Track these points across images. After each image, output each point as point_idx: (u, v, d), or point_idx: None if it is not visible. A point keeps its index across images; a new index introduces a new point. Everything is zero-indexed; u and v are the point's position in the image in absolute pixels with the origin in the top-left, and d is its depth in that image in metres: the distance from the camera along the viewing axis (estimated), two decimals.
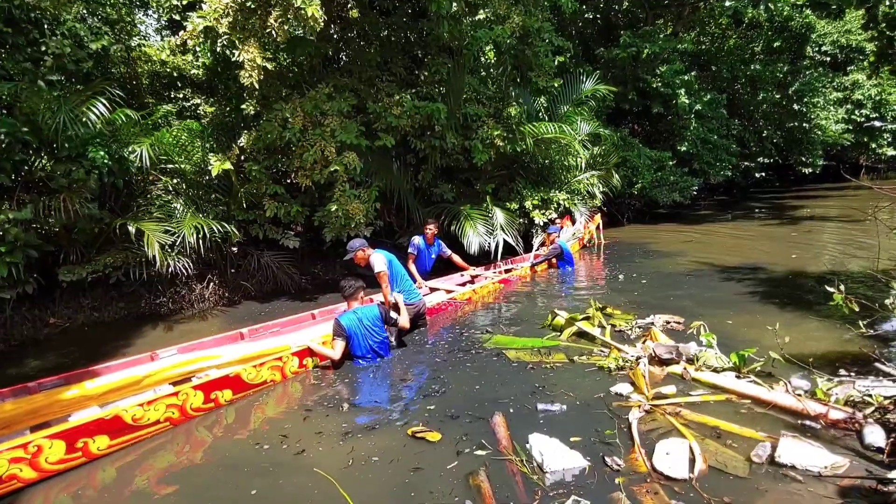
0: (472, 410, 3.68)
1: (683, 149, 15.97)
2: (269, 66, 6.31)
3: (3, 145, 5.43)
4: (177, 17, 7.88)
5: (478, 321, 6.02)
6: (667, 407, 3.59)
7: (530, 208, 9.65)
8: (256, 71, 6.22)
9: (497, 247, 8.63)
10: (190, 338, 5.56)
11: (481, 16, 9.64)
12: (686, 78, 15.54)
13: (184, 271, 6.67)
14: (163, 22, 9.09)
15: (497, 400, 3.83)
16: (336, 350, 4.55)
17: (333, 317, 4.86)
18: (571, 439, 3.18)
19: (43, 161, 5.86)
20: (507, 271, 8.49)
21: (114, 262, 6.30)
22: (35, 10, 6.27)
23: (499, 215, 9.07)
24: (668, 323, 5.41)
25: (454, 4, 8.50)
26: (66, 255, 6.18)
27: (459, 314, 6.38)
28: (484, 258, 8.69)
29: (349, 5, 9.42)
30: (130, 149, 6.35)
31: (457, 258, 7.70)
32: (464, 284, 7.84)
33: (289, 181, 8.07)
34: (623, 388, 3.93)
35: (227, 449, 3.37)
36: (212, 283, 7.25)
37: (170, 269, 6.53)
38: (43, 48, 6.37)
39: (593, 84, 11.64)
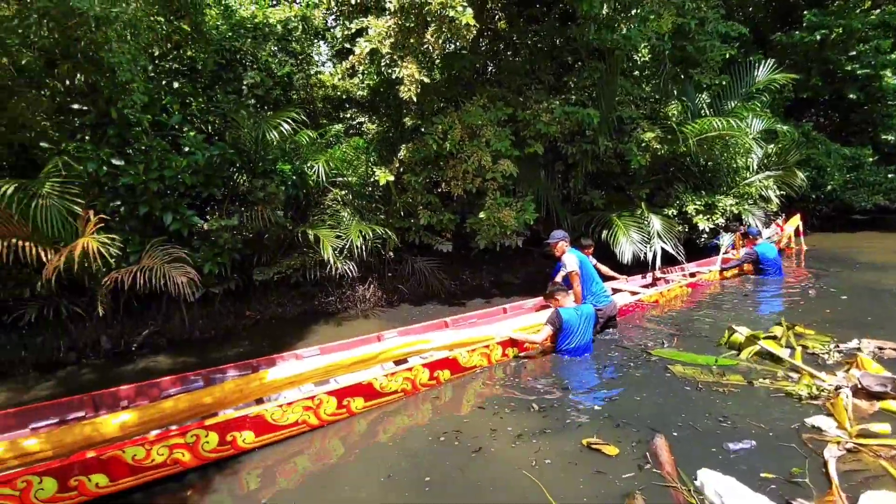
0: (634, 425, 3.45)
1: (892, 138, 13.33)
2: (426, 80, 6.67)
3: (216, 165, 6.50)
4: (346, 46, 8.77)
5: (653, 328, 5.70)
6: (877, 448, 2.98)
7: (692, 213, 8.83)
8: (414, 86, 6.62)
9: (654, 256, 8.04)
10: (356, 334, 6.10)
11: (634, 14, 9.16)
12: (893, 56, 13.01)
13: (349, 273, 7.33)
14: (332, 51, 10.12)
15: (660, 417, 3.54)
16: (540, 335, 4.87)
17: (522, 313, 5.51)
18: (759, 476, 2.78)
19: (244, 177, 6.89)
20: (692, 275, 7.91)
21: (294, 265, 7.16)
22: (239, 51, 7.45)
23: (655, 222, 8.45)
24: (881, 349, 4.52)
25: (605, 5, 8.19)
26: (259, 257, 7.17)
27: (640, 318, 6.13)
28: (636, 268, 8.17)
29: (497, 17, 9.63)
30: (309, 164, 7.18)
31: (604, 268, 7.34)
32: (648, 286, 7.48)
33: (440, 190, 8.45)
34: (821, 420, 3.36)
35: (437, 424, 3.70)
36: (372, 286, 7.85)
37: (338, 272, 7.22)
38: (243, 81, 7.53)
39: (767, 74, 10.31)
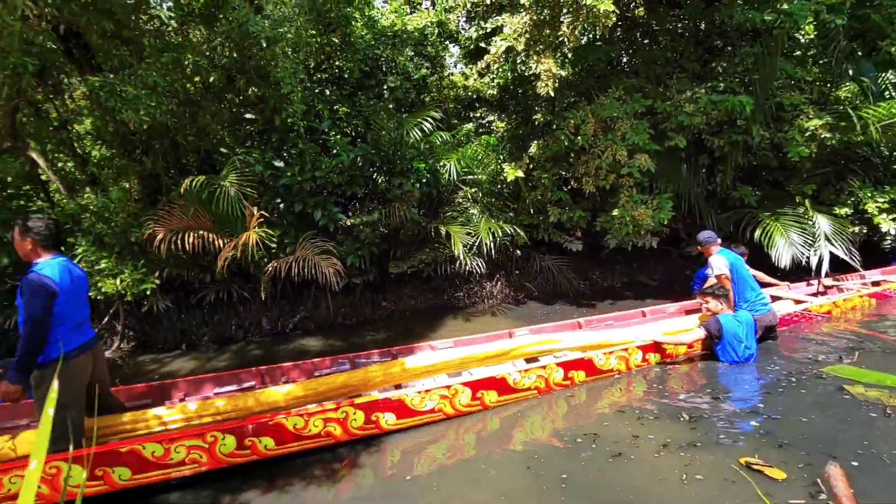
0: (802, 449, 3.05)
1: None
2: (564, 74, 6.55)
3: (359, 165, 7.01)
4: (481, 45, 8.92)
5: (825, 341, 5.04)
6: None
7: (873, 213, 7.56)
8: (552, 80, 6.52)
9: (821, 261, 7.04)
10: (484, 329, 6.22)
11: None
12: None
13: (477, 270, 7.48)
14: (462, 53, 10.34)
15: (834, 443, 3.09)
16: (691, 335, 4.62)
17: (664, 317, 5.21)
18: None
19: (383, 176, 7.35)
20: (875, 284, 6.87)
21: (426, 260, 7.48)
22: (381, 58, 7.96)
23: (822, 222, 7.39)
24: None
25: None
26: (395, 252, 7.62)
27: (808, 329, 5.46)
28: (794, 274, 7.20)
29: (633, 4, 9.10)
30: (442, 163, 7.44)
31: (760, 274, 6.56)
32: (816, 294, 6.67)
33: (570, 187, 8.24)
34: None
35: (573, 425, 3.63)
36: (499, 283, 7.92)
37: (466, 268, 7.40)
38: (384, 86, 8.02)
39: None
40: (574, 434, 3.48)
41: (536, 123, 7.63)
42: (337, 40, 7.25)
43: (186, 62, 5.69)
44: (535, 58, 6.85)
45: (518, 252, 8.04)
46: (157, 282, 6.41)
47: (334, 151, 6.90)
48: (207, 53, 5.97)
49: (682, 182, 8.19)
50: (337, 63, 7.61)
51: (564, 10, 6.37)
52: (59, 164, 7.58)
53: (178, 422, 3.53)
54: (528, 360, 4.50)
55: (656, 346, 4.63)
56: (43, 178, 7.19)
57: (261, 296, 6.89)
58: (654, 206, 7.12)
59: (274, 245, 6.71)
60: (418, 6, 9.36)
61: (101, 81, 4.96)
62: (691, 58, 8.36)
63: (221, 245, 6.20)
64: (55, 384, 0.84)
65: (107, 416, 3.47)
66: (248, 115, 6.65)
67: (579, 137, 7.01)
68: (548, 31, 6.79)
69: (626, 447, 3.24)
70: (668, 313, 5.68)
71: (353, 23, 7.43)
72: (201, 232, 6.20)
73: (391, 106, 7.76)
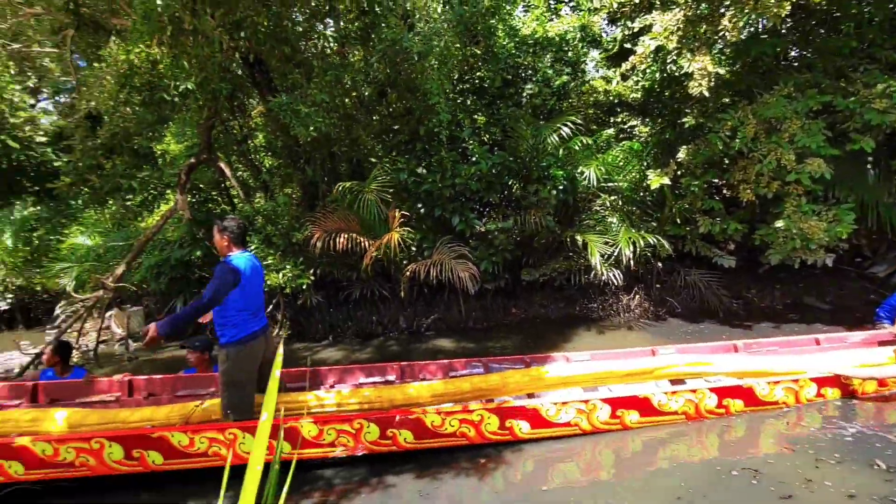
0: None
1: None
2: (721, 72, 6.00)
3: (497, 172, 7.12)
4: (626, 46, 8.54)
5: None
6: None
7: None
8: (707, 79, 6.02)
9: None
10: (619, 344, 5.91)
11: None
12: None
13: (614, 281, 7.14)
14: (603, 57, 9.98)
15: None
16: (886, 371, 4.00)
17: (844, 346, 4.53)
18: None
19: (518, 183, 7.37)
20: None
21: (560, 268, 7.33)
22: (521, 66, 8.00)
23: None
24: None
25: None
26: (527, 259, 7.59)
27: None
28: None
29: None
30: (580, 170, 7.25)
31: None
32: None
33: (723, 195, 7.50)
34: None
35: (728, 457, 3.33)
36: (637, 296, 7.47)
37: (602, 278, 7.11)
38: (523, 93, 8.05)
39: None
40: (729, 467, 3.15)
41: (686, 126, 7.07)
42: (480, 51, 7.46)
43: (345, 80, 6.28)
44: (687, 56, 6.37)
45: (660, 264, 7.52)
46: (312, 278, 7.13)
47: (473, 159, 7.09)
48: (364, 71, 6.52)
49: (868, 191, 6.99)
50: (478, 73, 7.82)
51: (727, 2, 5.84)
52: (239, 173, 8.82)
53: (329, 406, 3.85)
54: (674, 382, 4.17)
55: (837, 380, 3.99)
56: (227, 184, 8.40)
57: (400, 295, 7.32)
58: (830, 217, 6.18)
59: (413, 248, 7.09)
60: (559, 13, 9.25)
61: (279, 101, 5.68)
62: (887, 45, 7.11)
63: (367, 246, 6.71)
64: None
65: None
66: (395, 127, 7.12)
67: (736, 141, 6.35)
68: (705, 27, 6.28)
69: (798, 490, 2.84)
70: (851, 343, 4.84)
71: (497, 33, 7.58)
72: (350, 234, 6.77)
73: (529, 113, 7.76)
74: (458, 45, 6.69)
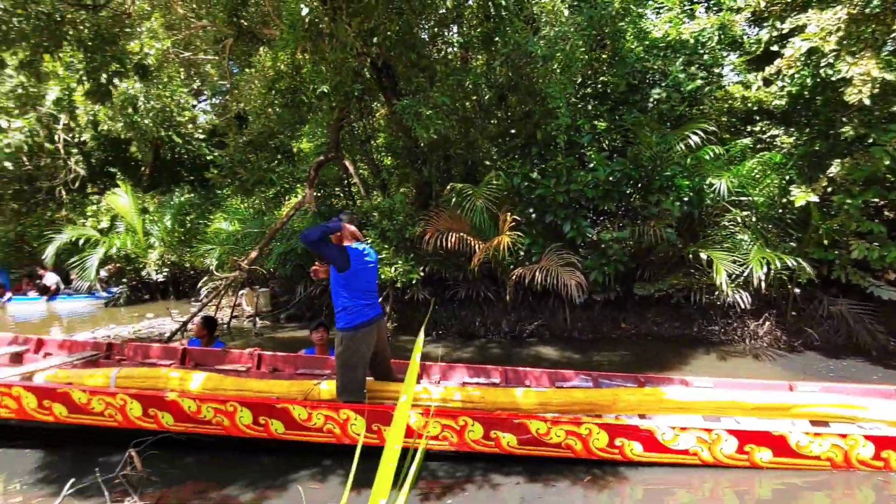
0: None
1: None
2: (890, 77, 5.23)
3: (614, 180, 6.83)
4: (767, 50, 7.77)
5: None
6: None
7: None
8: (869, 85, 5.28)
9: None
10: (743, 373, 5.38)
11: None
12: None
13: (741, 304, 6.53)
14: (742, 61, 9.16)
15: None
16: None
17: None
18: None
19: (638, 193, 7.01)
20: None
21: (678, 284, 6.85)
22: (649, 70, 7.60)
23: None
24: None
25: None
26: (642, 272, 7.19)
27: None
28: None
29: None
30: (708, 181, 6.72)
31: None
32: None
33: (886, 217, 6.54)
34: None
35: None
36: (767, 322, 6.76)
37: (727, 300, 6.53)
38: (649, 98, 7.64)
39: None
40: None
41: (843, 138, 6.23)
42: (606, 55, 7.21)
43: (467, 84, 6.41)
44: (847, 59, 5.63)
45: (798, 290, 6.73)
46: (421, 274, 7.37)
47: (591, 166, 6.88)
48: (485, 74, 6.61)
49: None
50: (602, 78, 7.57)
51: None
52: (360, 171, 9.37)
53: (435, 400, 3.94)
54: (814, 423, 3.70)
55: None
56: (350, 181, 8.96)
57: (505, 299, 7.31)
58: None
59: (521, 252, 7.04)
60: (694, 14, 8.64)
61: (403, 104, 5.96)
62: None
63: (476, 247, 6.79)
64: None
65: (382, 382, 4.09)
66: (512, 130, 7.13)
67: None
68: (873, 27, 5.51)
69: None
70: None
71: (625, 37, 7.28)
72: (460, 234, 6.89)
73: (654, 119, 7.35)
74: (583, 49, 6.52)
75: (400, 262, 7.28)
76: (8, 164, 9.69)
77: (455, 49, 7.20)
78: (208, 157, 12.32)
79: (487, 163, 7.40)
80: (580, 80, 7.35)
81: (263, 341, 7.76)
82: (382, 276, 7.16)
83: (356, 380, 3.66)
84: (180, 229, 11.76)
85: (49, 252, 11.45)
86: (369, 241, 7.58)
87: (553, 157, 6.91)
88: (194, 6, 8.10)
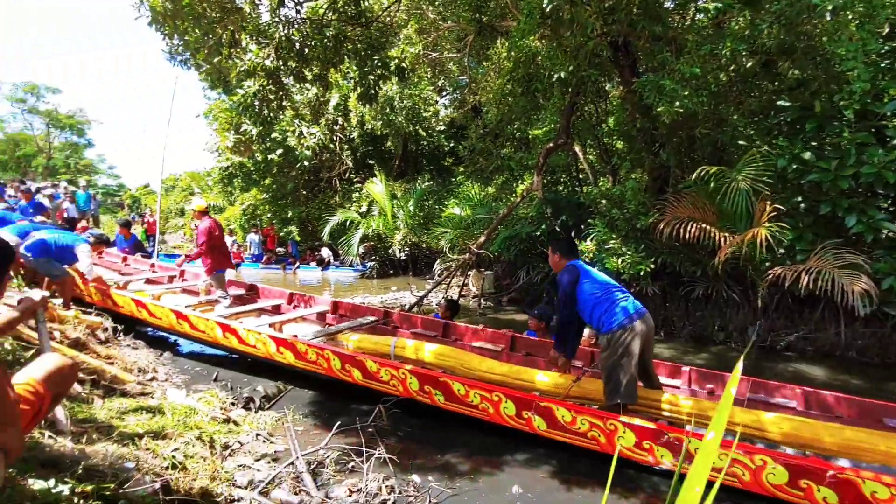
0: None
1: None
2: None
3: None
4: None
5: None
6: None
7: None
8: None
9: None
10: None
11: None
12: None
13: None
14: None
15: None
16: None
17: None
18: None
19: None
20: None
21: None
22: None
23: None
24: None
25: None
26: None
27: None
28: None
29: None
30: None
31: None
32: None
33: None
34: None
35: None
36: None
37: None
38: None
39: None
40: None
41: None
42: None
43: (723, 51, 5.60)
44: None
45: None
46: (652, 266, 6.82)
47: (895, 142, 5.36)
48: (747, 39, 5.68)
49: None
50: None
51: None
52: (588, 157, 9.12)
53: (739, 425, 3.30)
54: None
55: None
56: (580, 166, 8.80)
57: (756, 302, 6.28)
58: None
59: (782, 249, 5.91)
60: None
61: (644, 80, 5.53)
62: None
63: (721, 240, 5.95)
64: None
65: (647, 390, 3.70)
66: (780, 103, 5.99)
67: None
68: None
69: None
70: None
71: None
72: (702, 224, 6.11)
73: None
74: None
75: (629, 252, 6.87)
76: (306, 162, 12.26)
77: (708, 15, 6.36)
78: (445, 148, 13.54)
79: (742, 143, 6.36)
80: (887, 30, 5.71)
81: (486, 321, 8.25)
82: (608, 266, 6.86)
83: (623, 383, 3.35)
84: (420, 213, 13.23)
85: (325, 231, 14.17)
86: (597, 230, 7.32)
87: (836, 132, 5.59)
88: (441, 10, 8.94)
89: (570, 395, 3.73)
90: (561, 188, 9.16)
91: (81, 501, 1.70)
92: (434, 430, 3.91)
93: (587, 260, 7.05)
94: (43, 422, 2.19)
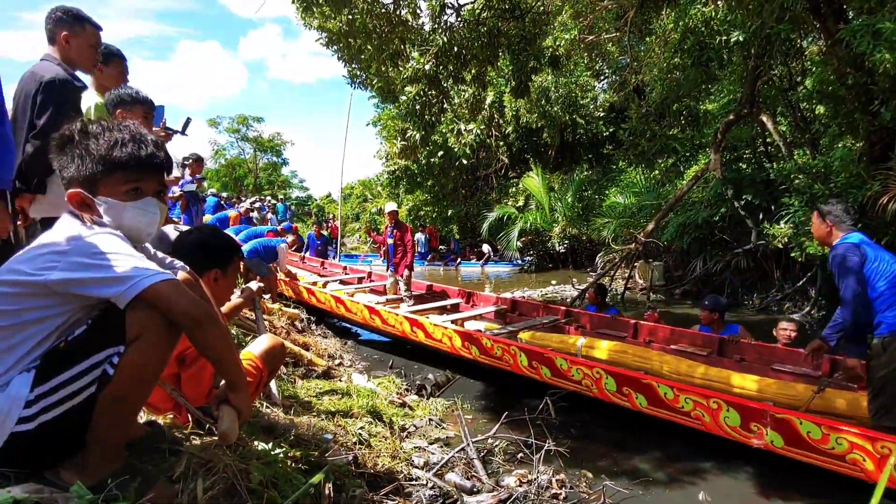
0: None
1: None
2: None
3: None
4: None
5: None
6: None
7: None
8: None
9: None
10: None
11: None
12: None
13: None
14: None
15: None
16: None
17: None
18: None
19: None
20: None
21: None
22: None
23: None
24: None
25: None
26: None
27: None
28: None
29: None
30: None
31: None
32: None
33: None
34: None
35: None
36: None
37: None
38: None
39: None
40: None
41: None
42: None
43: None
44: None
45: None
46: None
47: None
48: None
49: None
50: None
51: None
52: (779, 127, 7.90)
53: None
54: None
55: None
56: (768, 139, 7.70)
57: None
58: None
59: None
60: None
61: (853, 26, 4.61)
62: None
63: None
64: None
65: None
66: None
67: None
68: None
69: None
70: None
71: None
72: None
73: None
74: None
75: None
76: (464, 161, 12.76)
77: None
78: (604, 134, 12.93)
79: None
80: None
81: (659, 317, 7.67)
82: (808, 251, 5.89)
83: None
84: (579, 205, 12.83)
85: (484, 227, 14.56)
86: (793, 210, 6.33)
87: None
88: None
89: (809, 407, 3.19)
90: (744, 165, 8.07)
91: (293, 464, 1.99)
92: (603, 426, 3.78)
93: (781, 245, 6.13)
94: (261, 394, 2.60)
